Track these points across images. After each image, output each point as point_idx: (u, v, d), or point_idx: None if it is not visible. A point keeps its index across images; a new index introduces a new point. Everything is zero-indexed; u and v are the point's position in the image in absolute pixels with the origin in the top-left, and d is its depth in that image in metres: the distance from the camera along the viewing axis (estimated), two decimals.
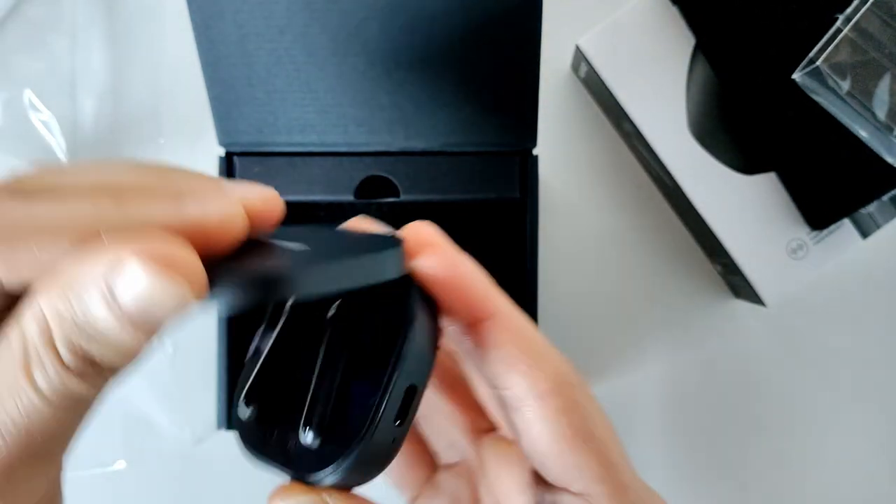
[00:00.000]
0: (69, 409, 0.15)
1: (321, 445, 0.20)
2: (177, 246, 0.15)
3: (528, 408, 0.21)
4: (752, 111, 0.38)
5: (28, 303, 0.15)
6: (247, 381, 0.22)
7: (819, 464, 0.45)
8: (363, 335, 0.21)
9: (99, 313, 0.15)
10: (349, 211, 0.37)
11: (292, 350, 0.22)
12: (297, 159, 0.35)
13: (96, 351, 0.15)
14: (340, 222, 0.44)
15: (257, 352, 0.22)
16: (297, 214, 0.39)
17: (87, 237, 0.15)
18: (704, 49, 0.38)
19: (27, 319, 0.15)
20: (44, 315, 0.15)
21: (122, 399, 0.44)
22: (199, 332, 0.38)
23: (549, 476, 0.21)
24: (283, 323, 0.22)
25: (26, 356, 0.15)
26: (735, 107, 0.38)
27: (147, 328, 0.15)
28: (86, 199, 0.16)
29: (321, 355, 0.21)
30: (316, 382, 0.21)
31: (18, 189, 0.16)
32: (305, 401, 0.21)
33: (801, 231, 0.39)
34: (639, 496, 0.22)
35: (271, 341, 0.22)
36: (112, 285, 0.15)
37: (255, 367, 0.22)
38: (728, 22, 0.38)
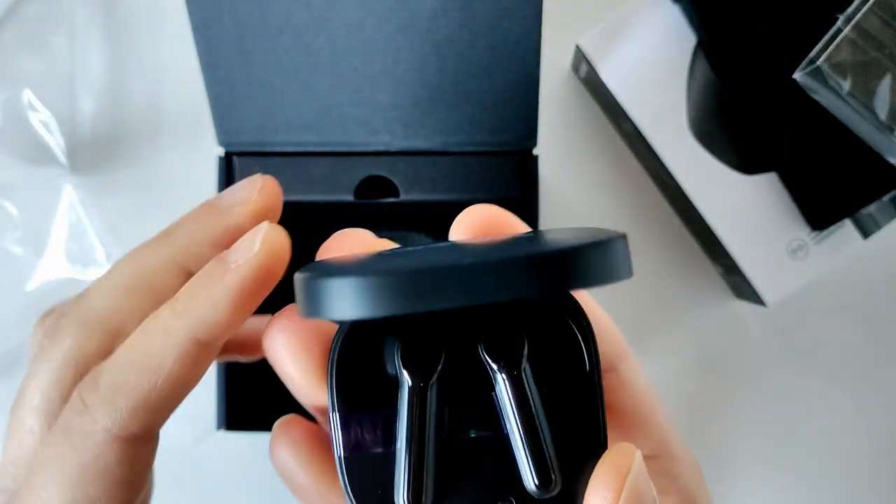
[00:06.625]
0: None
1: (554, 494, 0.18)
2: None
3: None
4: (752, 111, 0.37)
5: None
6: (404, 484, 0.18)
7: (819, 464, 0.45)
8: (538, 367, 0.19)
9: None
10: (349, 211, 0.37)
11: (443, 419, 0.18)
12: (297, 159, 0.35)
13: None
14: (340, 222, 0.44)
15: (383, 441, 0.18)
16: (297, 214, 0.39)
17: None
18: (705, 48, 0.38)
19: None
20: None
21: None
22: None
23: None
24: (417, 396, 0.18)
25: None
26: (735, 107, 0.38)
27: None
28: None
29: (511, 408, 0.18)
30: (524, 438, 0.18)
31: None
32: (508, 464, 0.18)
33: (802, 231, 0.39)
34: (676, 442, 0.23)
35: (409, 422, 0.18)
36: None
37: (404, 460, 0.18)
38: (729, 21, 0.38)
